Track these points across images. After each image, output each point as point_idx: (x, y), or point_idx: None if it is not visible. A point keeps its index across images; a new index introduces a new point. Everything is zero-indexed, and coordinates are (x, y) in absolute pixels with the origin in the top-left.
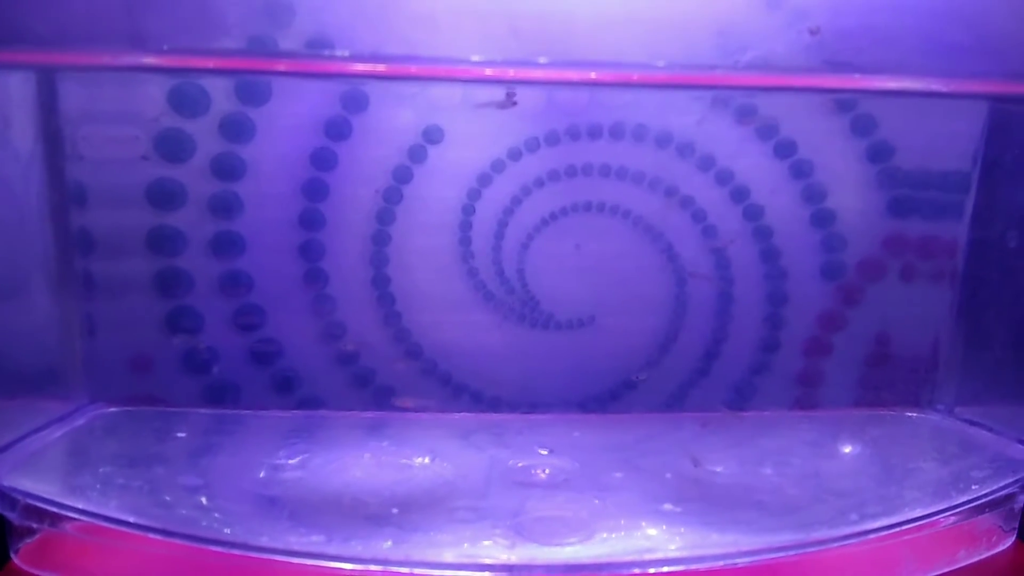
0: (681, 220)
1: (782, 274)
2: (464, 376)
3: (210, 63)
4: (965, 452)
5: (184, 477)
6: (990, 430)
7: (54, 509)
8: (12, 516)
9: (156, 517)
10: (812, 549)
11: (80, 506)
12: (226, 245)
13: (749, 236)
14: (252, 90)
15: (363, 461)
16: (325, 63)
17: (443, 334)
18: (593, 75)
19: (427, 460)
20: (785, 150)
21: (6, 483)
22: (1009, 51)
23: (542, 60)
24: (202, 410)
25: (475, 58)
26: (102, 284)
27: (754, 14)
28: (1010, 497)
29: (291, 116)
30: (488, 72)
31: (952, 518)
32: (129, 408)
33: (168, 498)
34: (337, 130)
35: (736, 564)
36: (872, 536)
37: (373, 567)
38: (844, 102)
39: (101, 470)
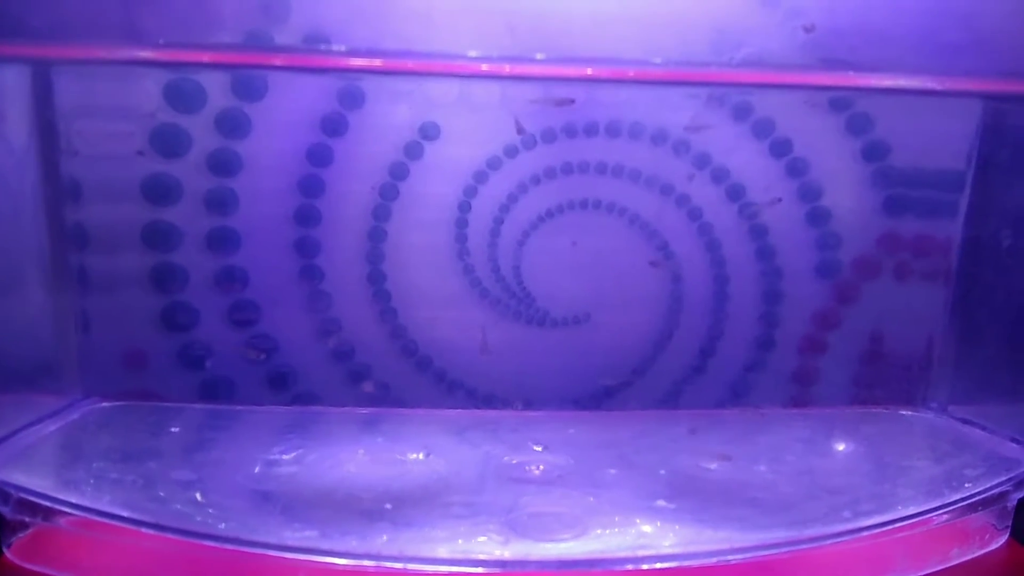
0: (676, 218)
1: (777, 272)
2: (459, 373)
3: (206, 57)
4: (958, 450)
5: (178, 472)
6: (983, 428)
7: (47, 503)
8: (5, 510)
9: (150, 512)
10: (805, 546)
11: (73, 500)
12: (221, 241)
13: (744, 234)
14: (248, 86)
15: (357, 457)
16: (322, 58)
17: (438, 331)
18: (589, 71)
19: (421, 456)
20: (780, 148)
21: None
22: (1004, 50)
23: (539, 56)
24: (197, 405)
25: (471, 54)
26: (97, 279)
27: (749, 12)
28: (1003, 495)
29: (287, 112)
30: (484, 68)
31: (945, 516)
32: (124, 403)
33: (162, 493)
34: (333, 126)
35: (729, 560)
36: (865, 533)
37: (367, 562)
38: (839, 101)
39: (94, 465)
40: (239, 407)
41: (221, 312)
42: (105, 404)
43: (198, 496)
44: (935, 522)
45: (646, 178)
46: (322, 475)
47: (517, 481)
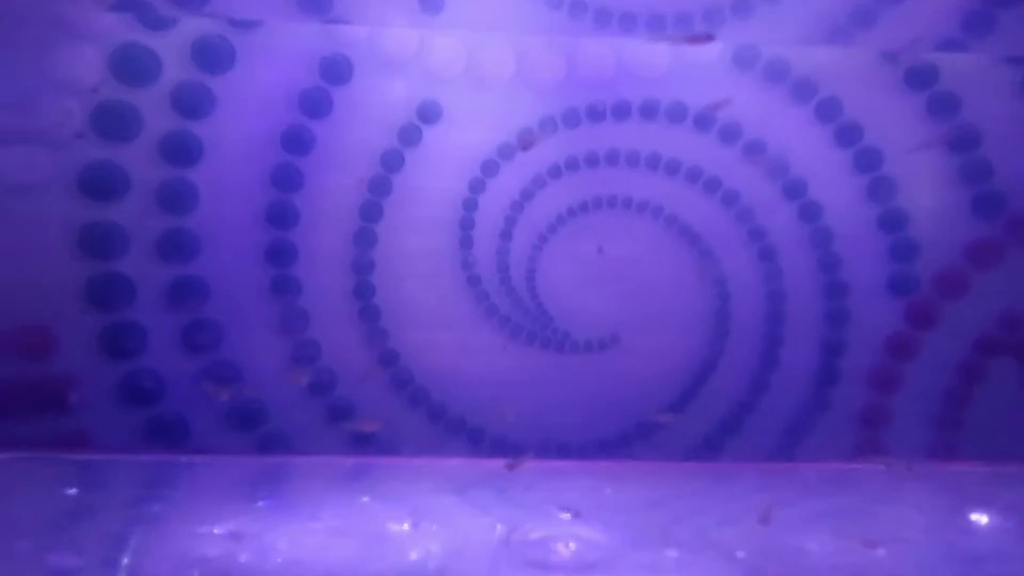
0: (723, 219)
1: (843, 288)
2: (461, 409)
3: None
4: None
5: (56, 555)
6: None
7: None
8: None
9: None
10: None
11: None
12: (177, 246)
13: (805, 241)
14: (212, 53)
15: (324, 527)
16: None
17: (437, 357)
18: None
19: (406, 527)
20: (848, 136)
21: None
22: None
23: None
24: (131, 456)
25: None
26: (14, 292)
27: None
28: None
29: (259, 87)
30: (493, 35)
31: None
32: (35, 454)
33: None
34: (314, 105)
35: None
36: None
37: None
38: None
39: None
40: (187, 458)
41: (174, 333)
42: (6, 455)
43: None
44: None
45: (687, 170)
46: (274, 567)
47: (539, 568)
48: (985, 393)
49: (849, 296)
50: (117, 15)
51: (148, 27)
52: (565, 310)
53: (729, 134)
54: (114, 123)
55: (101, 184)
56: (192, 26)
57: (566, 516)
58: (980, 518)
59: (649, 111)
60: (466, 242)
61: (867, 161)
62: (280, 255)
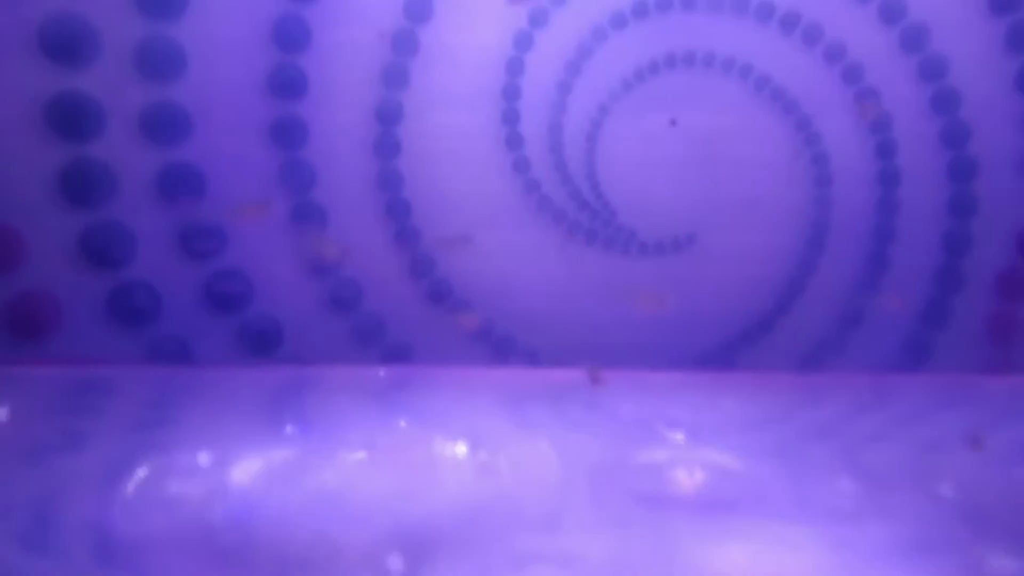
0: (827, 79)
1: (971, 166)
2: (511, 325)
3: None
4: None
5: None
6: None
7: None
8: None
9: None
10: None
11: None
12: (164, 122)
13: (926, 106)
14: None
15: (358, 460)
16: None
17: (480, 262)
18: None
19: (461, 451)
20: None
21: None
22: None
23: None
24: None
25: None
26: None
27: None
28: None
29: None
30: None
31: None
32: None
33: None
34: None
35: None
36: None
37: None
38: None
39: None
40: (195, 373)
41: (169, 235)
42: None
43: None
44: None
45: (783, 16)
46: (298, 508)
47: (656, 504)
48: None
49: (978, 176)
50: None
51: None
52: (631, 203)
53: None
54: None
55: (66, 41)
56: None
57: (679, 437)
58: None
59: None
60: (511, 117)
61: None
62: (287, 133)
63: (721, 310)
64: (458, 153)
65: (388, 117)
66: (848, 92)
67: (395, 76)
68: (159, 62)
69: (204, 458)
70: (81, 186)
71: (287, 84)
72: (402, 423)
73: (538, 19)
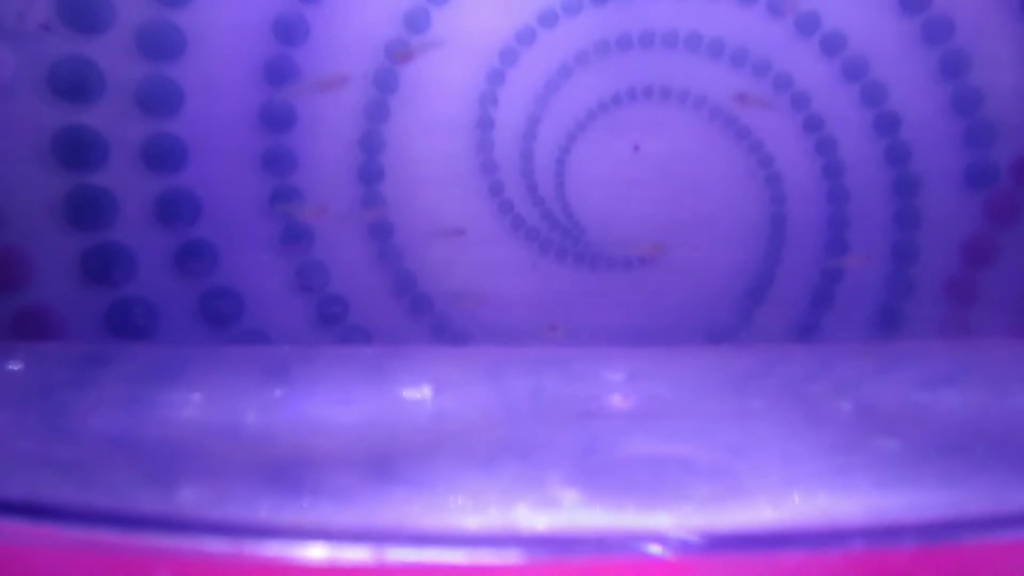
0: (775, 107)
1: (915, 182)
2: (488, 337)
3: None
4: None
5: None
6: None
7: None
8: None
9: None
10: None
11: None
12: (163, 153)
13: (869, 127)
14: None
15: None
16: None
17: (458, 278)
18: None
19: (425, 393)
20: (915, 5)
21: None
22: None
23: None
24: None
25: None
26: None
27: None
28: None
29: None
30: None
31: None
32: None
33: None
34: None
35: None
36: None
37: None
38: None
39: None
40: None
41: (167, 256)
42: None
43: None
44: None
45: (733, 52)
46: (295, 420)
47: (591, 416)
48: None
49: (921, 192)
50: None
51: None
52: (599, 220)
53: (776, 6)
54: (83, 11)
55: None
56: None
57: (617, 376)
58: None
59: None
60: (485, 145)
61: (935, 32)
62: (277, 162)
63: (685, 320)
64: (436, 178)
65: (371, 146)
66: (797, 119)
67: (378, 110)
68: (159, 99)
69: None
70: (84, 211)
71: (277, 117)
72: None
73: (509, 57)
